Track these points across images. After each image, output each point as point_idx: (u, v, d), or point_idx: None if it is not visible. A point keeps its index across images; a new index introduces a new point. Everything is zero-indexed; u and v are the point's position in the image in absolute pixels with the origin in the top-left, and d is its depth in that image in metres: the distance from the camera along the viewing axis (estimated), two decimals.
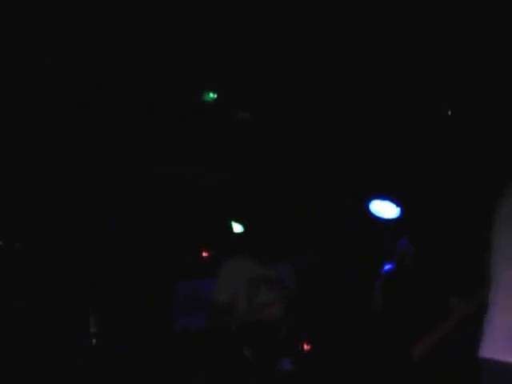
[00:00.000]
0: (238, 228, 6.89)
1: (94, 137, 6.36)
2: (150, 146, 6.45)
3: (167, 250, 6.71)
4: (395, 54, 5.49)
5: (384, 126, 6.12)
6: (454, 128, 5.98)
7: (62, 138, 6.30)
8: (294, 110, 6.14)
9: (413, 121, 6.02)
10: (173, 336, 6.12)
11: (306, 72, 5.78)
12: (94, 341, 6.00)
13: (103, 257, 6.53)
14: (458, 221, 5.90)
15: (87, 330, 5.92)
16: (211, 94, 6.32)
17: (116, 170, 6.55)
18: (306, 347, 6.21)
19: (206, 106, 6.20)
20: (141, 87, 6.01)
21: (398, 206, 6.30)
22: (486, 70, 5.34)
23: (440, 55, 5.40)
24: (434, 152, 6.08)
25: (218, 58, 5.67)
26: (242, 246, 6.63)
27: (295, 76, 5.82)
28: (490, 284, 3.15)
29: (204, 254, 6.99)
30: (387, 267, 5.57)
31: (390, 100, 5.83)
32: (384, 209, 6.34)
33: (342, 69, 5.69)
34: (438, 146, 6.06)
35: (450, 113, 5.96)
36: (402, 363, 5.33)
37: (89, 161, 6.45)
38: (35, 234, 6.45)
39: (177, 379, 5.59)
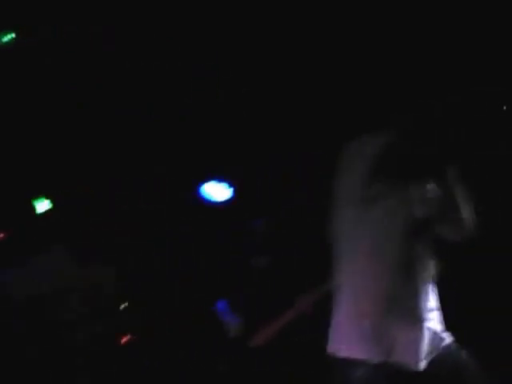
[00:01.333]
0: (42, 207, 5.99)
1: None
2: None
3: None
4: None
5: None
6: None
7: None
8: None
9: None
10: None
11: None
12: None
13: None
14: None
15: None
16: (8, 35, 5.65)
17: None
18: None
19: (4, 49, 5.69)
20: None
21: (230, 187, 6.08)
22: None
23: None
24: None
25: None
26: (46, 230, 5.92)
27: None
28: (335, 275, 3.07)
29: None
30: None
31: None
32: (216, 191, 6.07)
33: None
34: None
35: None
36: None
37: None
38: None
39: None
